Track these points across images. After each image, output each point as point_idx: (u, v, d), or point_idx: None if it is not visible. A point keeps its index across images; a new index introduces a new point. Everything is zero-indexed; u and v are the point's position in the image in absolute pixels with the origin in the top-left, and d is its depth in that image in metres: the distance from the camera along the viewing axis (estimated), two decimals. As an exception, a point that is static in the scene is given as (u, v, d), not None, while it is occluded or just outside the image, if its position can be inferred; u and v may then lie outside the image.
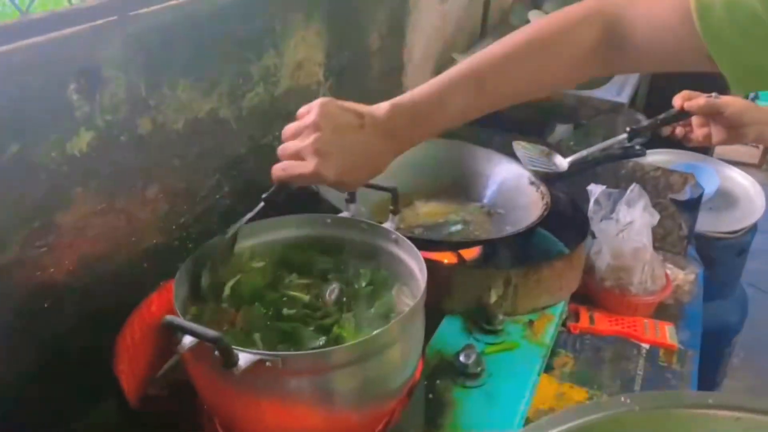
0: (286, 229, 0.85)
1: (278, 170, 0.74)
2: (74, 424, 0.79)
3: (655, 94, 2.29)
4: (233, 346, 0.59)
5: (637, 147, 1.09)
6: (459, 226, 1.11)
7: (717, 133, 1.08)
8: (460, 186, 1.17)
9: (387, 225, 0.85)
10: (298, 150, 0.71)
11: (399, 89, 1.59)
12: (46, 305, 0.78)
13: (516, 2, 2.31)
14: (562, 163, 0.99)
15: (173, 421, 0.77)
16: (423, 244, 1.00)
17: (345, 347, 0.65)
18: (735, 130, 1.07)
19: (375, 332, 0.65)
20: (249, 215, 0.79)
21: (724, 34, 0.62)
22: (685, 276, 1.21)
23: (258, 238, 0.84)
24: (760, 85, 0.68)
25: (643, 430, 0.41)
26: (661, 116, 1.09)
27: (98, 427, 0.78)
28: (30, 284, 0.76)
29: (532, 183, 1.11)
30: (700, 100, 1.05)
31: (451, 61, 1.85)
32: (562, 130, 2.19)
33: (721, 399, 0.42)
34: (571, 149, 2.13)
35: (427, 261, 0.93)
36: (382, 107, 0.73)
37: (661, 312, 1.13)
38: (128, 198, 0.87)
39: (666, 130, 1.09)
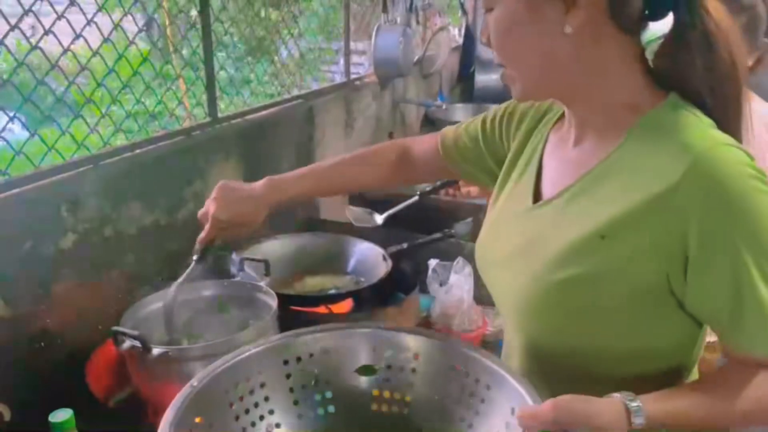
0: (196, 291, 1.31)
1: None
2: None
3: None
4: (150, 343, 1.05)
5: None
6: (333, 291, 1.58)
7: None
8: (335, 263, 1.66)
9: (262, 282, 1.32)
10: (206, 210, 1.11)
11: (310, 207, 2.10)
12: (42, 344, 1.24)
13: (422, 130, 2.90)
14: (378, 219, 1.57)
15: (126, 414, 1.20)
16: (308, 301, 1.49)
17: (214, 343, 1.10)
18: None
19: (237, 334, 1.11)
20: (185, 274, 1.21)
21: (453, 156, 1.12)
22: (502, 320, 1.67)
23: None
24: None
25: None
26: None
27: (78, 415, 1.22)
28: (33, 331, 1.22)
29: (384, 258, 1.59)
30: None
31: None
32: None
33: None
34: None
35: (309, 313, 1.40)
36: (261, 181, 1.12)
37: (485, 345, 1.58)
38: (98, 278, 1.35)
39: None
